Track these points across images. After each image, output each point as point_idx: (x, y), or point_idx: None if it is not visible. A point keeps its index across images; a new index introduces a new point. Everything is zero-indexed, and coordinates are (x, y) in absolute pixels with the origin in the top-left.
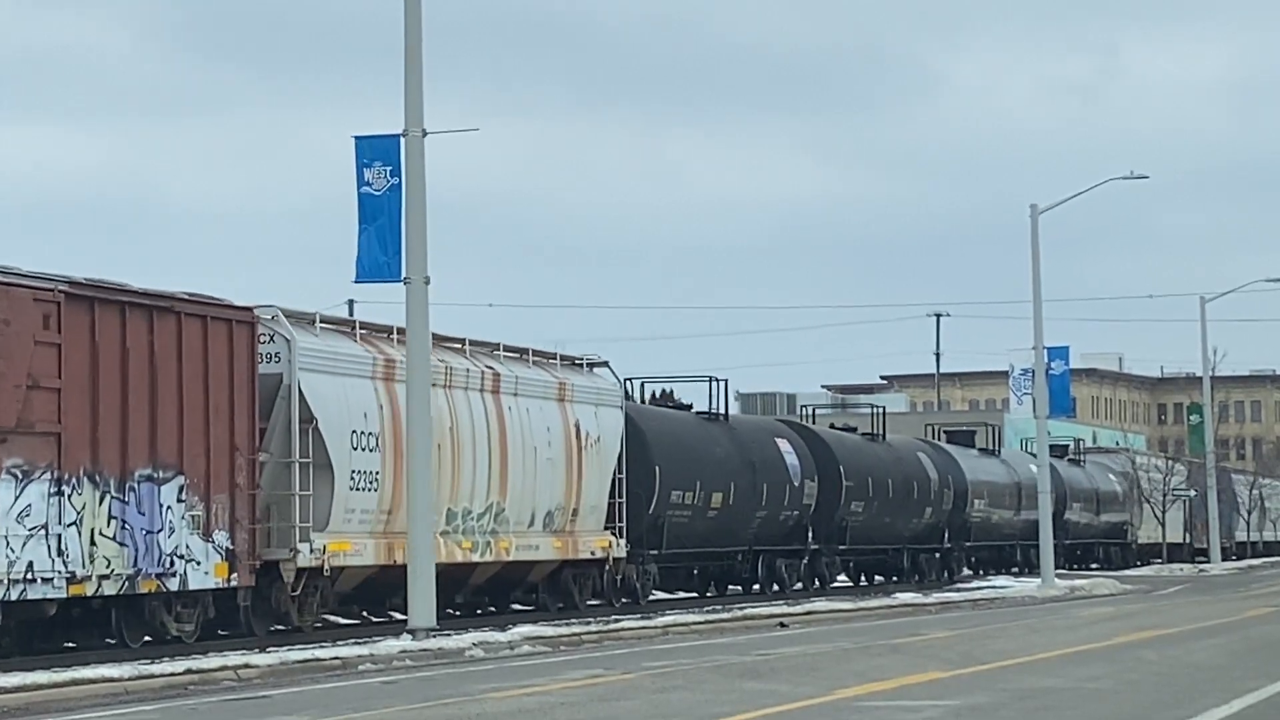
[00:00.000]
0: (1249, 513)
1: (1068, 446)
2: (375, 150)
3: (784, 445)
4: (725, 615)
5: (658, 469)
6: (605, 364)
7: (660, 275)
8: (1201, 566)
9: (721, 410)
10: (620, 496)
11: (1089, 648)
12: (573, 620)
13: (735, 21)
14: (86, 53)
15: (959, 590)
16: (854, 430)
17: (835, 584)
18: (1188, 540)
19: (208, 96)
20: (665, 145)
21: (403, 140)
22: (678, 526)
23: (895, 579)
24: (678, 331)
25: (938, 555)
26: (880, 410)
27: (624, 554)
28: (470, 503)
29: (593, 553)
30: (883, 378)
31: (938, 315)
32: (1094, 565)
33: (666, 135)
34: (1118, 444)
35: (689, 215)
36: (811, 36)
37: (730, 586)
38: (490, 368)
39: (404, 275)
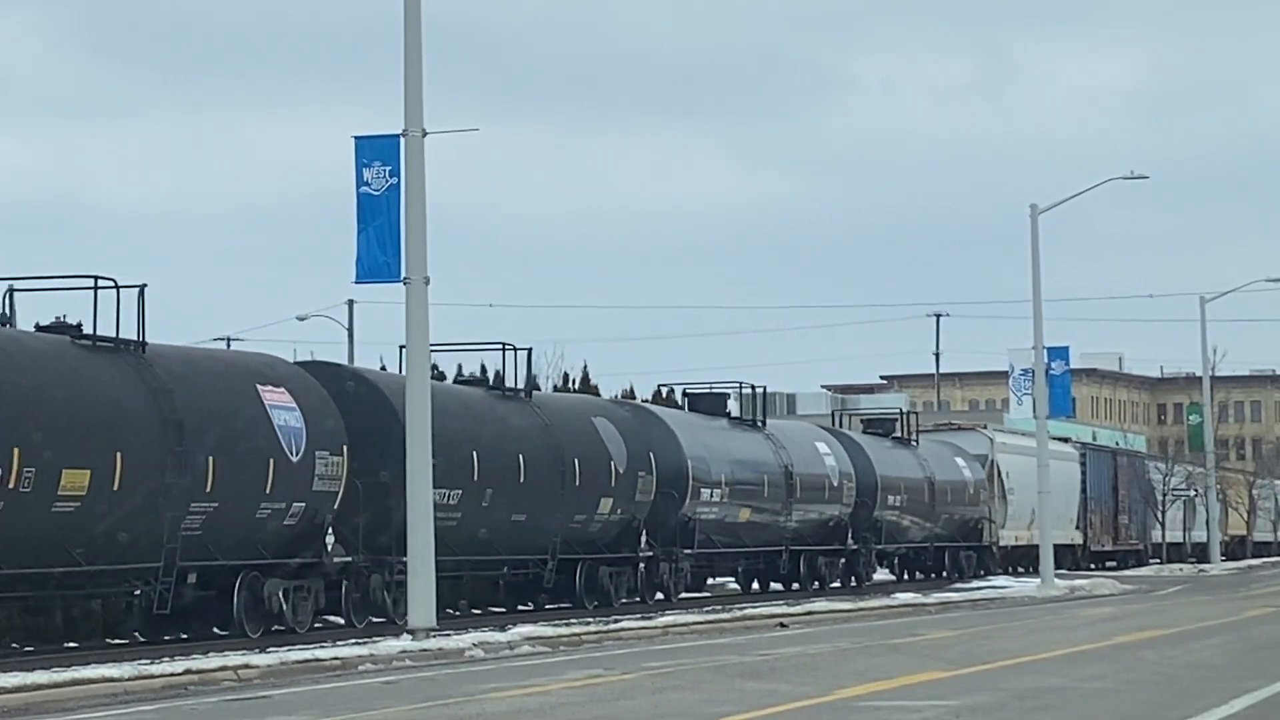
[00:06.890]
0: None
1: (893, 421)
2: (374, 150)
3: (273, 396)
4: (725, 615)
5: None
6: None
7: (657, 277)
8: (1201, 567)
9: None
10: None
11: (1089, 648)
12: (572, 620)
13: (629, 29)
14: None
15: (959, 590)
16: (484, 382)
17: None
18: (1083, 542)
19: (121, 99)
20: (597, 149)
21: (402, 140)
22: None
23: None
24: (678, 332)
25: (641, 566)
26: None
27: None
28: None
29: None
30: (883, 378)
31: (938, 315)
32: (933, 575)
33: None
34: (1117, 444)
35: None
36: (709, 44)
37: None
38: None
39: (404, 275)
